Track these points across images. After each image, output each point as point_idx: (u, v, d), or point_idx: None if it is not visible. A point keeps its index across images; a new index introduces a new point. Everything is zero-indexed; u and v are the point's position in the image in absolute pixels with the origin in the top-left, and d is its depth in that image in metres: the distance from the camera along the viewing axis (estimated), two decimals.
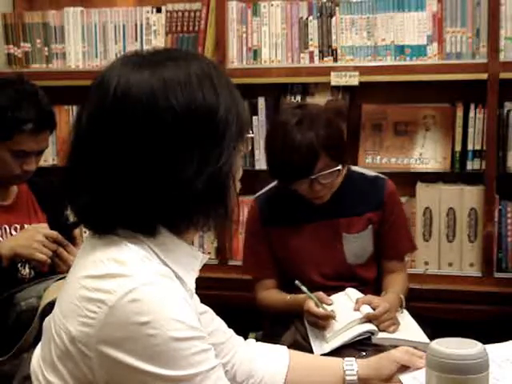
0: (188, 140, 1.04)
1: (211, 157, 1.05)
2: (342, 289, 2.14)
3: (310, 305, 2.01)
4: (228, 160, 1.07)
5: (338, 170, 2.10)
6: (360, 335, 1.96)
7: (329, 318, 1.99)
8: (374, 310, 2.01)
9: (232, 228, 1.14)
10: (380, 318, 1.99)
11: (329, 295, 2.08)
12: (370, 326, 1.98)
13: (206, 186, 1.04)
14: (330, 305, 2.03)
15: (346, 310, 2.02)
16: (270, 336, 2.11)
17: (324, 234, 2.20)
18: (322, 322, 1.99)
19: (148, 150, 1.02)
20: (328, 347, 1.95)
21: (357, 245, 2.21)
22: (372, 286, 2.27)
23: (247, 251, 2.33)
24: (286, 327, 2.14)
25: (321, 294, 2.05)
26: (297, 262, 2.21)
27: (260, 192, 2.31)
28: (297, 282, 2.07)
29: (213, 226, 1.11)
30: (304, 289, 2.05)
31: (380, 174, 2.29)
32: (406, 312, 2.17)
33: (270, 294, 2.26)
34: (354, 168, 2.32)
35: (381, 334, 1.98)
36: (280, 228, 2.23)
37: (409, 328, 2.07)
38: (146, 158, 1.02)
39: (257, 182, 2.48)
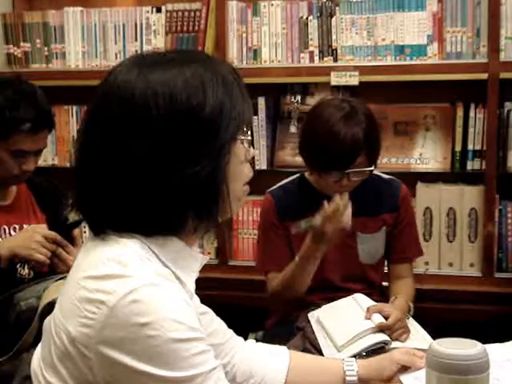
0: (218, 136, 1.05)
1: (216, 153, 1.06)
2: (351, 291, 2.13)
3: (319, 217, 2.00)
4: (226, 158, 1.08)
5: (371, 170, 2.10)
6: (373, 345, 1.95)
7: (338, 206, 1.99)
8: (385, 318, 1.99)
9: (217, 230, 1.14)
10: (392, 328, 1.97)
11: (338, 298, 2.07)
12: (384, 337, 1.94)
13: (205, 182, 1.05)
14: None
15: (357, 318, 1.99)
16: (270, 336, 2.10)
17: None
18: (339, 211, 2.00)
19: (189, 149, 1.04)
20: (340, 357, 1.91)
21: (371, 245, 2.21)
22: (378, 289, 2.27)
23: (264, 246, 2.25)
24: (289, 329, 2.11)
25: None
26: None
27: (273, 187, 2.29)
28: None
29: (208, 227, 1.11)
30: (303, 223, 2.04)
31: (394, 178, 2.29)
32: (410, 317, 2.16)
33: (279, 278, 2.18)
34: None
35: (394, 344, 1.95)
36: (295, 223, 2.17)
37: (419, 335, 2.05)
38: (187, 157, 1.03)
39: (257, 182, 2.48)
